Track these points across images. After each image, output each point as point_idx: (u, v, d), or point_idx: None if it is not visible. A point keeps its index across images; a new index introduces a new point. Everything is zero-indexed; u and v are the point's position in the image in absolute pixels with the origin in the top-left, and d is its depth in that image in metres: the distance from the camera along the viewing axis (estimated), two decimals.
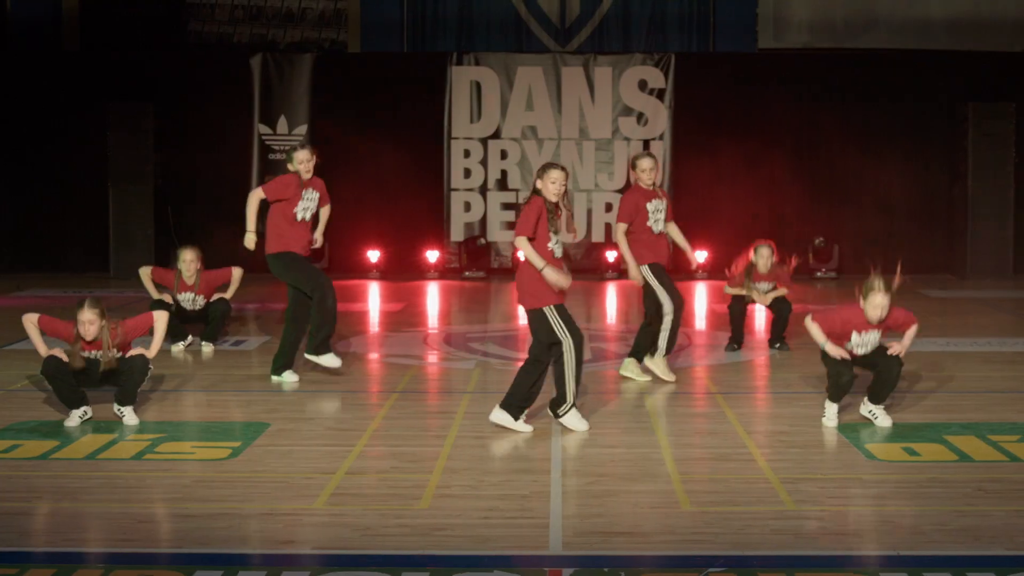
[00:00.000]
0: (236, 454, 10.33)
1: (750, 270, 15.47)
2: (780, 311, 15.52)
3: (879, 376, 11.30)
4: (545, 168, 11.05)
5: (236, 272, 15.74)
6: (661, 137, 25.16)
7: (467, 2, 26.10)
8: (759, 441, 10.81)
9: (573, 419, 11.11)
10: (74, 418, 11.36)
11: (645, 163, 13.34)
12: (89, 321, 11.30)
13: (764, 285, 15.47)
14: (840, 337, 11.22)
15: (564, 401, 11.06)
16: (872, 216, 24.77)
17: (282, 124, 25.14)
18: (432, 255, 24.76)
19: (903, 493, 9.18)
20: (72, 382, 11.38)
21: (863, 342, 11.24)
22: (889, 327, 11.30)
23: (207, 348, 15.52)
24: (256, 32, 26.03)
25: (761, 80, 25.25)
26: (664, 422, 11.60)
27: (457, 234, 25.34)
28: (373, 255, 24.61)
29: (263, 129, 25.16)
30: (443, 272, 24.82)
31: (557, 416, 11.12)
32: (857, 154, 24.94)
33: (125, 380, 11.44)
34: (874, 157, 24.92)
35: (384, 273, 24.56)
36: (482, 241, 25.11)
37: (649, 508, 8.81)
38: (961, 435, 10.93)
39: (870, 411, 11.42)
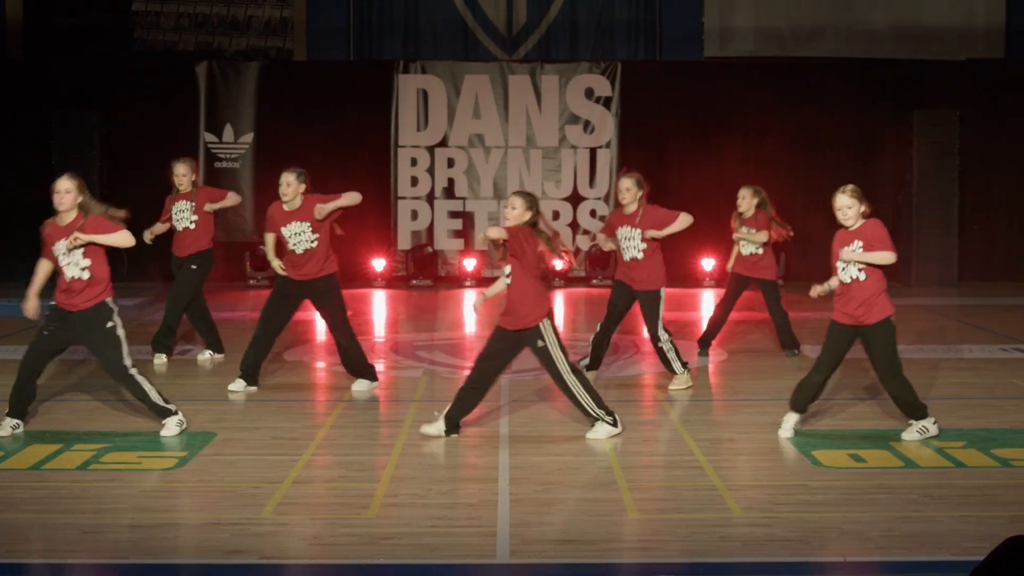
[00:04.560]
0: (182, 464, 10.28)
1: (739, 218, 15.51)
2: (776, 317, 15.58)
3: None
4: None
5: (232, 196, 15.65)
6: (608, 145, 25.23)
7: (413, 10, 26.10)
8: (706, 448, 10.83)
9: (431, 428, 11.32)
10: (5, 428, 11.26)
11: (621, 183, 13.35)
12: (66, 190, 10.90)
13: (748, 230, 15.47)
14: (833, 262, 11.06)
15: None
16: (818, 224, 24.72)
17: (228, 132, 25.09)
18: (379, 264, 24.73)
19: (849, 500, 9.21)
20: (32, 386, 11.24)
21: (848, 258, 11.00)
22: (866, 239, 11.00)
23: (160, 360, 15.39)
24: (202, 40, 25.94)
25: (707, 89, 25.35)
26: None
27: (404, 243, 25.35)
28: None
29: (209, 137, 25.10)
30: (390, 281, 24.81)
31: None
32: (803, 162, 25.07)
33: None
34: (820, 165, 25.04)
35: None
36: (429, 250, 25.13)
37: (597, 516, 8.81)
38: (906, 441, 10.99)
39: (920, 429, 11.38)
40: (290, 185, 13.21)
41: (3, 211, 24.65)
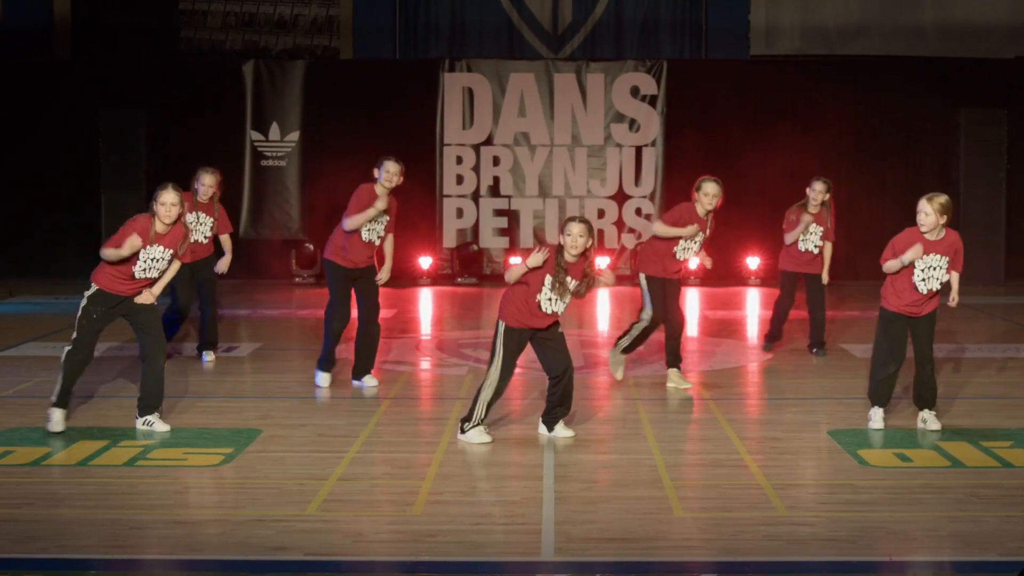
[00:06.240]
0: (228, 460, 10.32)
1: (805, 205, 15.51)
2: (814, 313, 15.58)
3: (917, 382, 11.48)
4: (565, 221, 10.87)
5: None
6: (653, 143, 25.17)
7: (459, 9, 26.12)
8: (751, 447, 10.81)
9: (474, 435, 10.99)
10: (60, 421, 11.27)
11: (711, 188, 13.24)
12: (172, 203, 11.13)
13: (816, 228, 15.48)
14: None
15: (469, 419, 11.00)
16: (863, 222, 24.71)
17: (274, 131, 25.14)
18: (425, 261, 24.75)
19: (895, 499, 9.18)
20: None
21: (927, 266, 11.10)
22: (947, 251, 11.14)
23: (210, 357, 15.40)
24: (248, 39, 26.03)
25: (753, 87, 25.27)
26: (656, 428, 11.58)
27: (450, 240, 25.35)
28: None
29: (255, 136, 25.15)
30: (436, 278, 24.82)
31: (463, 431, 11.03)
32: (849, 160, 24.94)
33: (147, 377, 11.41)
34: (865, 163, 24.93)
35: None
36: (474, 247, 25.12)
37: (641, 514, 8.81)
38: (953, 441, 10.94)
39: (922, 419, 11.47)
40: (399, 176, 13.09)
41: (50, 207, 24.78)
